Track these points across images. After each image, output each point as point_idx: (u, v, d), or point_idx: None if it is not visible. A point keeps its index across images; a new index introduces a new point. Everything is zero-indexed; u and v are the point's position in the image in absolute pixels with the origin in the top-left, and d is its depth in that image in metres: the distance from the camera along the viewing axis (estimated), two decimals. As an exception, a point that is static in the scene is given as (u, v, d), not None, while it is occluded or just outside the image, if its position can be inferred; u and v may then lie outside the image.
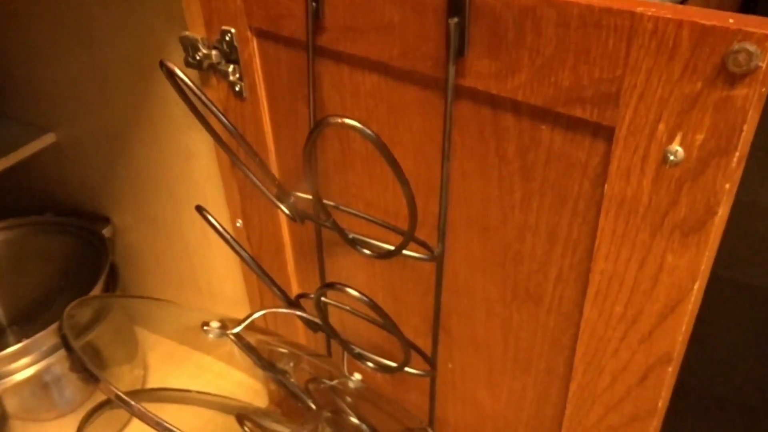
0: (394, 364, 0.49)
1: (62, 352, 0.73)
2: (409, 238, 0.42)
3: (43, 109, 0.83)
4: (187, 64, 0.57)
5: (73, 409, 0.77)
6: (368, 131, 0.35)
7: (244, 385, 0.86)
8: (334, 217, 0.45)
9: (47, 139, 0.85)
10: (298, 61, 0.51)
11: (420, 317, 0.56)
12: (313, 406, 0.50)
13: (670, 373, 0.41)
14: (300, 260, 0.65)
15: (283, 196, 0.46)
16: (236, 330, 0.46)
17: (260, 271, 0.49)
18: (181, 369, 0.85)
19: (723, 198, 0.34)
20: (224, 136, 0.48)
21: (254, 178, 0.46)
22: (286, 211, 0.45)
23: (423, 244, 0.48)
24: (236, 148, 0.52)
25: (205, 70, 0.57)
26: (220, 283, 0.82)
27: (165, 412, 0.82)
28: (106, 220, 0.89)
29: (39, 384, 0.72)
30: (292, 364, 0.58)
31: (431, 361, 0.53)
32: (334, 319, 0.62)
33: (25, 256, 0.86)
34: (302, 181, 0.56)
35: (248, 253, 0.49)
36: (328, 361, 0.55)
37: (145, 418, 0.37)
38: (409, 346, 0.45)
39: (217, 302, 0.84)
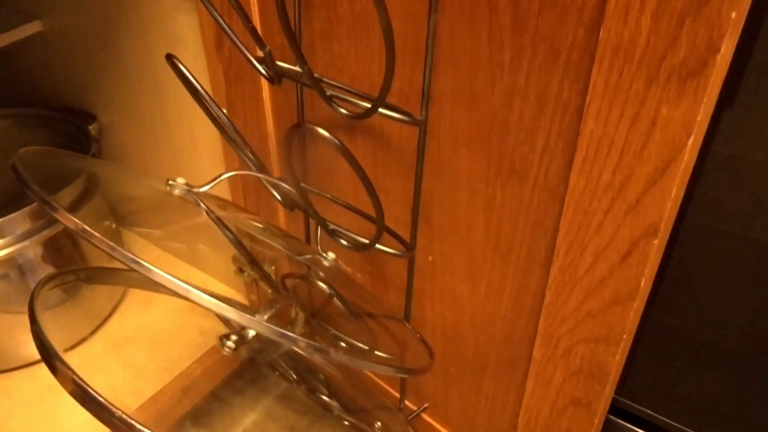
0: (366, 241, 0.47)
1: (37, 238, 0.71)
2: (381, 101, 0.39)
3: (29, -7, 0.80)
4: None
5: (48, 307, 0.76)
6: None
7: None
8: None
9: (33, 27, 0.82)
10: None
11: (402, 205, 0.54)
12: (281, 290, 0.48)
13: (655, 248, 0.39)
14: (280, 150, 0.63)
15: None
16: (203, 189, 0.44)
17: (235, 133, 0.46)
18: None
19: (728, 31, 0.31)
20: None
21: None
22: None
23: (407, 114, 0.45)
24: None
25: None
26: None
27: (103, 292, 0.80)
28: (93, 118, 0.87)
29: (13, 267, 0.70)
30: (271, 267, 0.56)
31: (408, 244, 0.50)
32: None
33: (8, 147, 0.83)
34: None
35: (224, 113, 0.47)
36: (304, 246, 0.53)
37: (102, 244, 0.34)
38: (383, 228, 0.43)
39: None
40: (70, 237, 0.75)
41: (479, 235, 0.50)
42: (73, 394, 0.39)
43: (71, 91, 0.88)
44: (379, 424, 0.50)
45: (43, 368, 0.78)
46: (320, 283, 0.45)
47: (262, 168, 0.49)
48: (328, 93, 0.43)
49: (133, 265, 0.34)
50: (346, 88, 0.45)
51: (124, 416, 0.38)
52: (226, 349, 0.47)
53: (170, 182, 0.43)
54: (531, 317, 0.50)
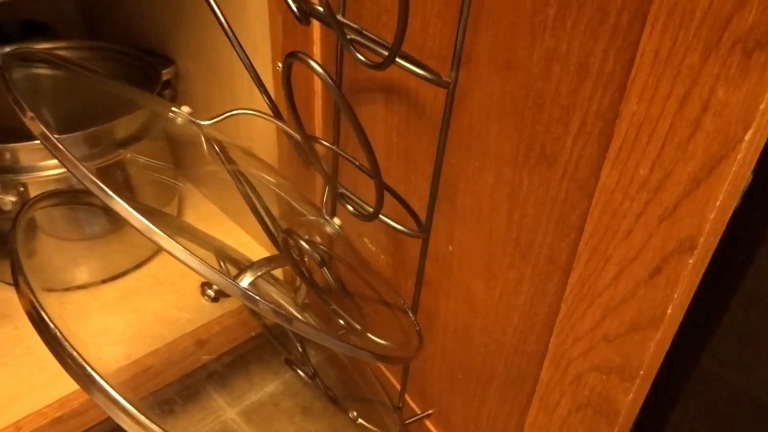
0: (370, 209, 0.42)
1: (90, 164, 0.72)
2: (396, 49, 0.34)
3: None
4: None
5: (98, 235, 0.77)
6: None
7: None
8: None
9: (131, -34, 0.84)
10: None
11: (428, 181, 0.48)
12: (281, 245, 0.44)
13: (689, 268, 0.31)
14: (326, 111, 0.59)
15: None
16: (208, 122, 0.41)
17: (255, 76, 0.43)
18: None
19: (814, -12, 0.23)
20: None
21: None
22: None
23: (433, 73, 0.40)
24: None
25: None
26: (256, 143, 0.78)
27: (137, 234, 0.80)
28: (171, 62, 0.88)
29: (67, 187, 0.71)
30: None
31: (422, 223, 0.45)
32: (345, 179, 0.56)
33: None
34: None
35: (244, 52, 0.44)
36: (311, 208, 0.49)
37: (76, 170, 0.32)
38: (380, 177, 0.38)
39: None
40: (123, 169, 0.76)
41: (501, 226, 0.44)
42: (28, 314, 0.37)
43: (156, 32, 0.89)
44: (354, 413, 0.45)
45: (79, 293, 0.79)
46: (304, 245, 0.41)
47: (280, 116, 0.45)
48: (352, 37, 0.39)
49: (91, 186, 0.31)
50: (370, 34, 0.41)
51: (76, 356, 0.35)
52: (205, 297, 0.44)
53: (173, 109, 0.41)
54: (544, 330, 0.43)
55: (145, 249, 0.82)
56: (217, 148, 0.43)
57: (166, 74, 0.84)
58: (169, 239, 0.28)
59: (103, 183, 0.76)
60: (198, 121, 0.41)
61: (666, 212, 0.31)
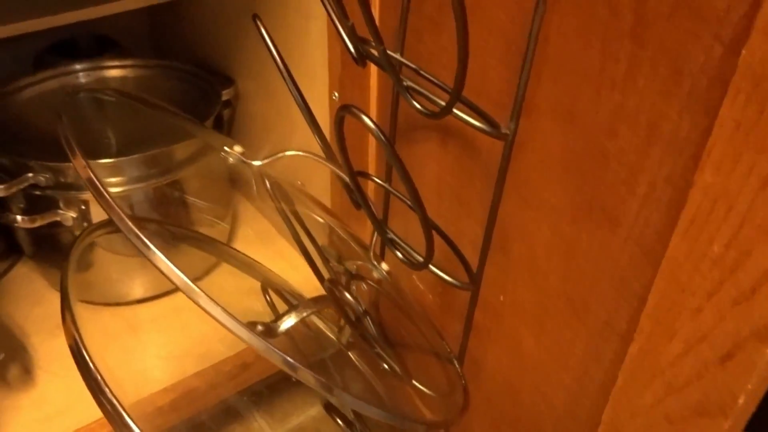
0: (421, 259, 0.40)
1: (151, 182, 0.73)
2: (454, 100, 0.32)
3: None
4: None
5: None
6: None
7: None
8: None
9: (196, -14, 0.86)
10: None
11: (480, 226, 0.46)
12: (326, 276, 0.43)
13: (767, 358, 0.28)
14: (380, 147, 0.58)
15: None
16: (259, 162, 0.40)
17: (307, 113, 0.43)
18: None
19: None
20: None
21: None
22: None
23: (491, 124, 0.38)
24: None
25: None
26: (309, 178, 0.77)
27: (187, 256, 0.80)
28: (231, 82, 0.89)
29: (126, 206, 0.73)
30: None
31: (474, 274, 0.43)
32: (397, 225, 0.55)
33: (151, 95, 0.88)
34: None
35: (297, 87, 0.43)
36: (362, 250, 0.48)
37: (120, 221, 0.31)
38: (430, 225, 0.36)
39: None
40: (179, 189, 0.77)
41: (555, 281, 0.41)
42: (71, 349, 0.37)
43: (220, 52, 0.91)
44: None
45: (130, 308, 0.81)
46: (348, 296, 0.39)
47: (332, 156, 0.44)
48: (408, 84, 0.38)
49: (131, 237, 0.30)
50: (427, 75, 0.39)
51: (113, 400, 0.34)
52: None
53: (226, 149, 0.41)
54: (599, 398, 0.40)
55: (198, 268, 0.82)
56: (268, 184, 0.43)
57: (226, 94, 0.85)
58: (211, 301, 0.28)
59: (157, 204, 0.76)
60: (249, 161, 0.40)
61: (742, 295, 0.28)
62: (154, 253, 0.28)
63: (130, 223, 0.28)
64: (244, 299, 0.79)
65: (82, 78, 0.86)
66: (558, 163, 0.38)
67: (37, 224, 0.68)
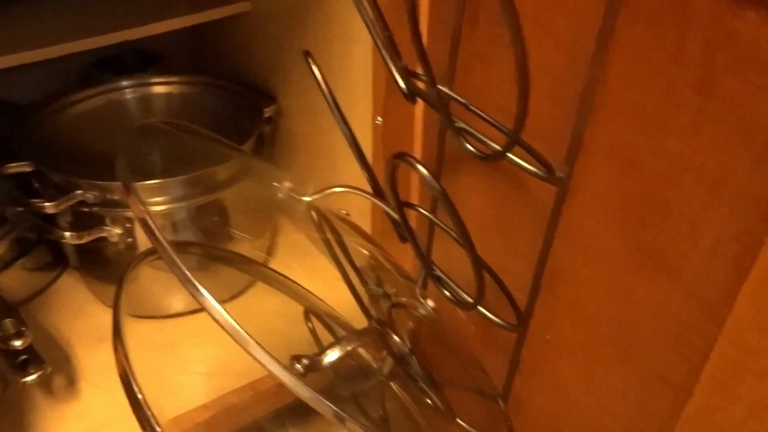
0: (470, 300, 0.40)
1: (193, 201, 0.74)
2: (511, 146, 0.32)
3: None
4: None
5: (195, 267, 0.79)
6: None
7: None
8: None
9: (242, 6, 0.86)
10: None
11: (527, 264, 0.45)
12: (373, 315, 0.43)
13: (841, 433, 0.27)
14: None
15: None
16: (309, 198, 0.40)
17: (356, 149, 0.42)
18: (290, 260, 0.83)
19: None
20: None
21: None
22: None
23: (547, 168, 0.38)
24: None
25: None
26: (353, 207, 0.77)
27: (225, 276, 0.79)
28: (273, 100, 0.89)
29: (168, 225, 0.74)
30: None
31: (522, 314, 0.42)
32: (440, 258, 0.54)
33: (195, 113, 0.89)
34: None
35: (347, 124, 0.43)
36: (407, 285, 0.47)
37: (173, 264, 0.31)
38: (481, 266, 0.36)
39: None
40: (220, 209, 0.77)
41: (606, 328, 0.40)
42: (121, 378, 0.38)
43: (262, 70, 0.91)
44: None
45: (174, 321, 0.81)
46: (394, 337, 0.39)
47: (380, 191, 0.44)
48: (460, 125, 0.37)
49: (184, 282, 0.30)
50: (482, 114, 0.39)
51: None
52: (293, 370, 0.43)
53: (275, 185, 0.41)
54: (649, 450, 0.39)
55: (238, 283, 0.83)
56: (314, 216, 0.42)
57: (267, 111, 0.85)
58: (259, 347, 0.28)
59: (198, 221, 0.76)
60: (299, 197, 0.40)
61: (815, 364, 0.27)
62: (208, 301, 0.28)
63: (185, 270, 0.28)
64: (279, 320, 0.79)
65: (128, 95, 0.88)
66: (614, 209, 0.36)
67: (84, 240, 0.69)
